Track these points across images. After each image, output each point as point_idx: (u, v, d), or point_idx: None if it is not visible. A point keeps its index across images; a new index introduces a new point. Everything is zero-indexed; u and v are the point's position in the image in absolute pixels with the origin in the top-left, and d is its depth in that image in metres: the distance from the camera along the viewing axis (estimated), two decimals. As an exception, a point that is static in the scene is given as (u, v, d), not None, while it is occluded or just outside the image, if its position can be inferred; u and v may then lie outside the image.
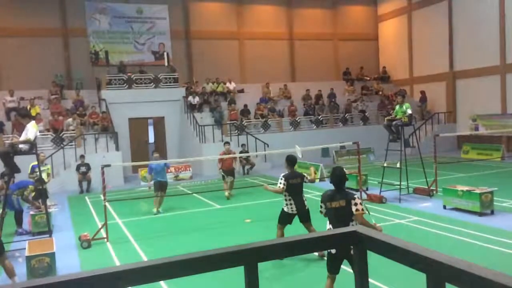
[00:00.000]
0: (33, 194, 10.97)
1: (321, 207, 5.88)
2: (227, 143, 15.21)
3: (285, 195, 7.65)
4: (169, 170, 18.46)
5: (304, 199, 7.82)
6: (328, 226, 5.91)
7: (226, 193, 13.97)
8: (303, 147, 15.88)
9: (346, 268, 7.03)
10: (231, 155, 14.56)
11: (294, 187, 7.62)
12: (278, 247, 1.62)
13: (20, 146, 9.15)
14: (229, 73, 24.97)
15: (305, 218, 7.76)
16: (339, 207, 5.52)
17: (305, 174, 8.06)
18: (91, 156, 17.26)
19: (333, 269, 5.67)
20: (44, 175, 10.62)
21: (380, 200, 11.91)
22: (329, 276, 5.77)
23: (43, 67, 22.03)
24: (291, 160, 7.84)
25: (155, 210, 12.37)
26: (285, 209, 7.69)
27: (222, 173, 14.25)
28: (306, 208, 7.76)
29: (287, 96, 25.08)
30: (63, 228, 11.13)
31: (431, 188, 12.55)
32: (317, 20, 28.29)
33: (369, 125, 23.88)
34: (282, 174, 7.74)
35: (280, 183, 7.57)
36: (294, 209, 7.65)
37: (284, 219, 7.76)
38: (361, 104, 25.03)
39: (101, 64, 22.63)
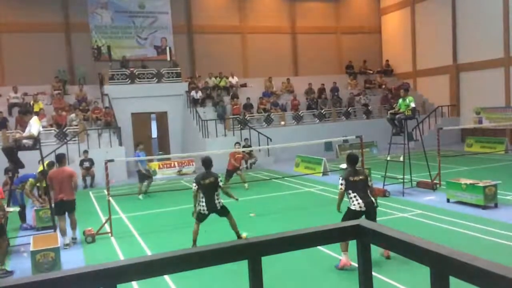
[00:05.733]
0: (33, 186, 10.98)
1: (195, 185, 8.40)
2: (237, 143, 15.68)
3: (349, 193, 7.19)
4: (172, 165, 18.72)
5: (370, 196, 7.27)
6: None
7: (246, 185, 14.42)
8: (306, 141, 15.91)
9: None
10: (239, 155, 14.80)
11: (356, 184, 7.16)
12: (281, 241, 1.62)
13: (24, 141, 9.18)
14: (232, 68, 24.93)
15: (373, 216, 7.16)
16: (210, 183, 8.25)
17: (370, 177, 7.55)
18: (94, 151, 17.30)
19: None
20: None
21: (383, 193, 11.90)
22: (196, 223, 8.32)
23: (45, 63, 22.05)
24: (351, 159, 7.49)
25: (140, 196, 13.78)
26: (352, 207, 7.11)
27: (227, 173, 14.49)
28: (375, 205, 7.26)
29: (289, 90, 25.04)
30: (67, 223, 11.16)
31: (435, 181, 12.53)
32: (319, 14, 28.18)
33: (372, 118, 23.83)
34: (341, 175, 7.44)
35: (341, 184, 7.23)
36: (363, 205, 7.05)
37: (352, 217, 6.99)
38: (364, 97, 24.96)
39: (104, 59, 22.61)
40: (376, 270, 6.50)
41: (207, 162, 8.55)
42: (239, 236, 8.56)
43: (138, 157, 13.86)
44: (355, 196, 7.12)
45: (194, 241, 8.32)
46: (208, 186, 8.26)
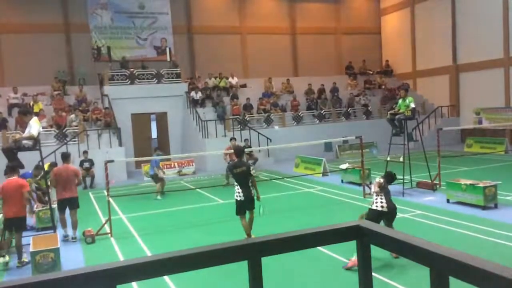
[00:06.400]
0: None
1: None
2: (233, 139, 15.79)
3: (376, 193, 7.55)
4: (172, 165, 18.75)
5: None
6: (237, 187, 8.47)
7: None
8: (306, 142, 15.91)
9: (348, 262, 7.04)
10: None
11: (385, 190, 7.65)
12: (281, 242, 1.62)
13: (24, 142, 9.18)
14: (232, 68, 24.94)
15: (392, 219, 7.52)
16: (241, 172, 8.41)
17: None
18: (94, 151, 17.31)
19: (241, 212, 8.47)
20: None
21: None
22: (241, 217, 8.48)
23: (45, 63, 22.05)
24: (391, 177, 7.95)
25: (159, 196, 13.87)
26: (373, 207, 7.42)
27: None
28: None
29: (289, 90, 25.04)
30: (67, 224, 11.16)
31: (435, 182, 12.53)
32: (319, 14, 28.19)
33: (372, 119, 23.84)
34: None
35: (379, 179, 7.72)
36: (385, 206, 7.35)
37: (374, 218, 7.19)
38: (364, 98, 24.97)
39: (104, 59, 22.61)
40: (376, 270, 6.50)
41: (238, 151, 8.85)
42: (249, 234, 8.56)
43: (156, 161, 14.37)
44: (380, 196, 7.42)
45: (248, 234, 8.42)
46: (240, 175, 8.46)
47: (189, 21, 25.21)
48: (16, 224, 8.27)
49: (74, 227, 9.69)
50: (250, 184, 8.56)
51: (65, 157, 10.16)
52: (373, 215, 7.26)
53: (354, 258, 6.78)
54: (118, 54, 22.95)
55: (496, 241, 7.92)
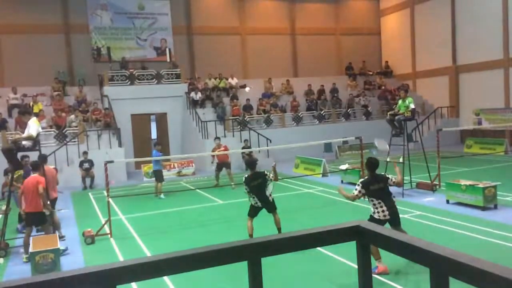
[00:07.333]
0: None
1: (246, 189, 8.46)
2: (217, 138, 15.88)
3: (372, 201, 6.88)
4: (172, 166, 18.74)
5: (394, 201, 7.03)
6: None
7: (233, 185, 14.58)
8: (305, 142, 15.90)
9: (348, 262, 7.04)
10: (221, 151, 14.82)
11: (378, 193, 6.85)
12: (281, 242, 1.62)
13: (23, 142, 9.18)
14: (231, 69, 24.95)
15: (398, 222, 6.94)
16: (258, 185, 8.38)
17: (390, 176, 7.23)
18: (94, 152, 17.30)
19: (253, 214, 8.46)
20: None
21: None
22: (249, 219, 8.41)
23: (45, 64, 22.05)
24: (370, 164, 7.06)
25: (162, 195, 14.03)
26: (376, 216, 6.80)
27: (216, 166, 15.28)
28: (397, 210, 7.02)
29: (289, 91, 25.05)
30: (67, 224, 11.15)
31: (434, 182, 12.53)
32: (319, 15, 28.20)
33: (371, 120, 23.83)
34: (360, 180, 7.16)
35: (356, 189, 6.89)
36: (387, 214, 6.78)
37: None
38: (364, 99, 24.98)
39: (103, 60, 22.62)
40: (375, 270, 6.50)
41: (252, 164, 8.77)
42: (279, 229, 8.60)
43: (158, 156, 14.22)
44: (379, 203, 6.82)
45: (251, 236, 8.40)
46: (258, 187, 8.43)
47: (189, 22, 25.21)
48: (34, 219, 8.63)
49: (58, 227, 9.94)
50: (267, 191, 8.49)
51: (44, 159, 10.33)
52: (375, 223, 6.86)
53: (381, 264, 6.59)
54: (118, 54, 22.96)
55: (496, 242, 7.92)
